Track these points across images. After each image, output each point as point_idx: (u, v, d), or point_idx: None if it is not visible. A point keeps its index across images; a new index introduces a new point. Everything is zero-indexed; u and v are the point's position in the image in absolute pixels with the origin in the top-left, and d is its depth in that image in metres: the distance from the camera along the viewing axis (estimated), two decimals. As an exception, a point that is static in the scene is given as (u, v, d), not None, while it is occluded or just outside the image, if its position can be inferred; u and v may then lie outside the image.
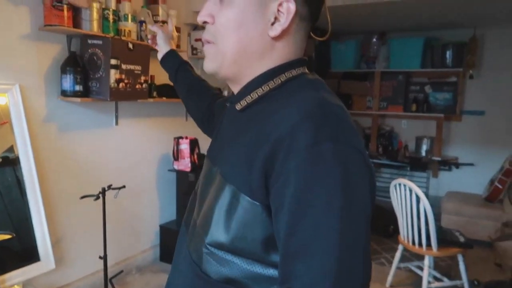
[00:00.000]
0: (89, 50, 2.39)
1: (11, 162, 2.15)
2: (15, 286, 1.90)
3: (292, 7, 0.68)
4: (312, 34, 0.93)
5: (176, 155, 3.07)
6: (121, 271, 2.65)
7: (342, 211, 0.56)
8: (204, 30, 0.74)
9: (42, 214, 2.19)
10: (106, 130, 2.71)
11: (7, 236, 1.83)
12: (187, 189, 3.08)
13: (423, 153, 4.64)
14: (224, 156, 0.72)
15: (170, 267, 0.85)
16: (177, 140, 3.06)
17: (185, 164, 3.05)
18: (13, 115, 2.15)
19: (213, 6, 0.71)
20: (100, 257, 2.34)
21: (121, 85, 2.44)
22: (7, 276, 1.92)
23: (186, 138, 3.06)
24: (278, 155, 0.59)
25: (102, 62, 2.37)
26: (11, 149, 2.16)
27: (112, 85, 2.38)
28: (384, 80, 4.78)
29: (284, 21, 0.68)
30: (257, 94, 0.70)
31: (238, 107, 0.72)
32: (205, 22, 0.72)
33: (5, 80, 2.11)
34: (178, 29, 2.99)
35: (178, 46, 2.98)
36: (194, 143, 3.06)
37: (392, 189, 2.76)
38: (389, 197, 2.84)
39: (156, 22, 2.83)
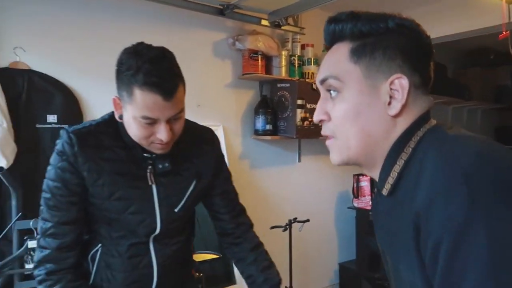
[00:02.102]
0: (278, 93, 2.63)
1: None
2: (217, 304, 2.13)
3: (405, 82, 0.66)
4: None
5: (356, 193, 3.02)
6: (303, 306, 2.68)
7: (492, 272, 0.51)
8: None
9: (237, 241, 2.42)
10: (290, 166, 2.89)
11: (215, 256, 2.08)
12: (367, 228, 2.97)
13: None
14: (396, 251, 0.69)
15: None
16: (357, 177, 3.03)
17: (365, 202, 2.97)
18: (217, 152, 2.49)
19: (326, 104, 0.72)
20: (285, 288, 2.43)
21: (305, 123, 2.59)
22: (210, 294, 2.17)
23: (366, 175, 2.99)
24: (420, 231, 0.59)
25: (289, 103, 2.57)
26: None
27: (298, 123, 2.54)
28: None
29: (401, 97, 0.66)
30: (396, 172, 0.67)
31: (384, 192, 0.69)
32: (321, 121, 0.73)
33: (213, 122, 2.49)
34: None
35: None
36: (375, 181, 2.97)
37: None
38: None
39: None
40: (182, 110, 1.00)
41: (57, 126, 1.94)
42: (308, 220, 2.50)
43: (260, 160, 2.71)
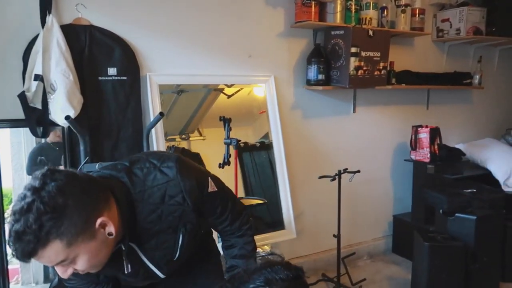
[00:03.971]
0: (332, 41, 2.54)
1: (266, 147, 2.53)
2: (265, 246, 2.26)
3: None
4: None
5: (414, 145, 2.91)
6: (353, 253, 2.74)
7: None
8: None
9: (288, 189, 2.50)
10: (344, 117, 2.84)
11: (261, 201, 2.19)
12: (424, 181, 2.88)
13: None
14: None
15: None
16: (416, 128, 2.90)
17: (423, 154, 2.86)
18: (269, 104, 2.51)
19: None
20: (334, 236, 2.49)
21: (359, 72, 2.50)
22: (259, 237, 2.30)
23: (426, 126, 2.86)
24: None
25: (343, 51, 2.48)
26: (266, 135, 2.53)
27: (351, 72, 2.46)
28: None
29: None
30: None
31: None
32: None
33: (263, 72, 2.50)
34: (422, 11, 2.81)
35: (421, 29, 2.80)
36: (435, 132, 2.83)
37: None
38: None
39: (398, 6, 2.75)
40: (66, 259, 0.90)
41: (117, 78, 2.08)
42: (358, 171, 2.48)
43: (312, 111, 2.70)
